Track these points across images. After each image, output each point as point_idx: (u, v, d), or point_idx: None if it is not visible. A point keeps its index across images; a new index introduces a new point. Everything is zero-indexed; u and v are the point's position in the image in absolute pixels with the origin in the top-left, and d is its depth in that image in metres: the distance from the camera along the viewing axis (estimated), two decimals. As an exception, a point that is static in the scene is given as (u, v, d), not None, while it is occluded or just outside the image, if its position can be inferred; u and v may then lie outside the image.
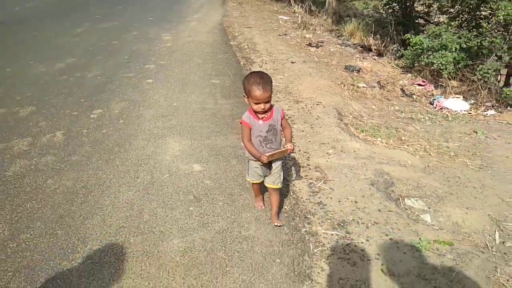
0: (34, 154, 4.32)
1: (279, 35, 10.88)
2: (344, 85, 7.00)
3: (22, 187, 3.72)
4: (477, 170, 4.77)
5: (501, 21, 7.49)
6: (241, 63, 7.97)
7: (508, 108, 7.33)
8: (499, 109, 7.24)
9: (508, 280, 2.79)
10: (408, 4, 11.55)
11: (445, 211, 3.70)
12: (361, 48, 10.27)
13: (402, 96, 7.36)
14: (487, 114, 6.93)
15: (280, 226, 3.18)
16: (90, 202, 3.48)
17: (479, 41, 7.68)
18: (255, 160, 2.97)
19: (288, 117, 5.45)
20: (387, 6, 12.01)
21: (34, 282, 2.61)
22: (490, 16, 7.95)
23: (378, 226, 3.27)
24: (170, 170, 4.02)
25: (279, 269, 2.75)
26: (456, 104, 7.30)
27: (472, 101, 7.52)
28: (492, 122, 6.49)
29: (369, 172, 4.18)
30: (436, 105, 7.25)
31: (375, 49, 9.71)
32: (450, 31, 7.86)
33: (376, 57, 9.45)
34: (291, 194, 3.76)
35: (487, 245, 3.21)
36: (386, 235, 3.17)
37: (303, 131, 5.18)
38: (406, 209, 3.66)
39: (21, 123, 5.09)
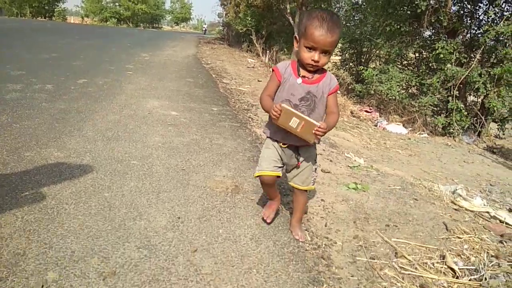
0: (27, 92, 4.86)
1: (248, 67, 12.03)
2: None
3: (21, 104, 4.24)
4: (407, 156, 5.71)
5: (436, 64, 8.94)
6: (213, 75, 8.88)
7: (440, 136, 8.53)
8: (432, 135, 8.43)
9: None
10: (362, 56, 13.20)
11: (378, 166, 4.52)
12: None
13: (351, 116, 8.43)
14: (421, 136, 8.07)
15: (302, 241, 2.27)
16: (82, 116, 4.07)
17: (420, 79, 9.05)
18: (273, 139, 2.18)
19: (255, 115, 5.88)
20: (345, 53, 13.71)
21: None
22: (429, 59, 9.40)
23: (321, 156, 4.03)
24: (151, 111, 4.67)
25: (241, 156, 3.43)
26: (396, 128, 8.41)
27: (410, 128, 8.69)
28: (425, 140, 7.60)
29: (318, 135, 4.99)
30: (379, 126, 8.34)
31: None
32: (396, 69, 9.21)
33: (331, 92, 10.66)
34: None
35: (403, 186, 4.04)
36: (327, 159, 3.93)
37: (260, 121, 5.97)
38: (345, 158, 4.46)
39: (13, 78, 5.62)
